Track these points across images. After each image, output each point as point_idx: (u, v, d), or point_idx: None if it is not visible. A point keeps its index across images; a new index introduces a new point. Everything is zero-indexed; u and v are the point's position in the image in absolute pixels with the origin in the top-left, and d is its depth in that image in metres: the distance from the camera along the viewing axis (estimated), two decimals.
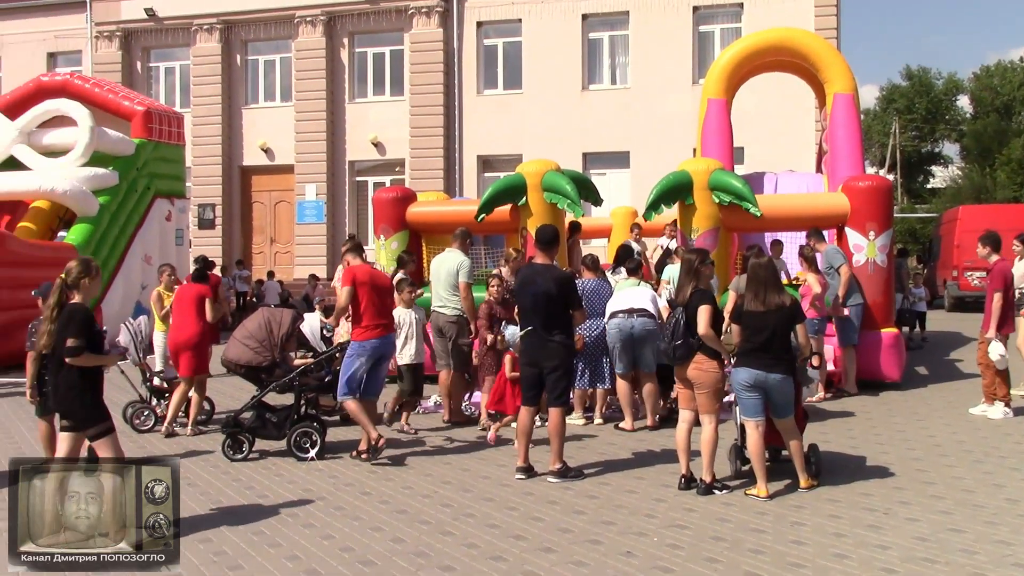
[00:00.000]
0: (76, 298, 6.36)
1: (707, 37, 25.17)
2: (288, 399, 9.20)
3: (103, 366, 6.50)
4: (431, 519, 6.82)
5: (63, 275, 6.41)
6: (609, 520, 6.74)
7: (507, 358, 9.39)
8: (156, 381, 10.62)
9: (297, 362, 9.09)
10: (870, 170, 29.38)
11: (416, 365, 9.88)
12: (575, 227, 14.19)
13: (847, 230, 12.22)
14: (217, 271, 18.52)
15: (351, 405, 8.49)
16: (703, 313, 7.29)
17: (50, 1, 29.59)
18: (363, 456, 8.61)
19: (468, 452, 8.99)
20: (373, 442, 8.45)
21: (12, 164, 17.91)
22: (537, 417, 8.26)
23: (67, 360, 6.19)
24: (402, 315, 9.75)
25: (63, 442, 6.41)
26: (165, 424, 9.96)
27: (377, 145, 27.00)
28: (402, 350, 9.75)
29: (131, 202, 18.31)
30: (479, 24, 26.45)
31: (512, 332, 9.41)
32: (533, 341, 7.84)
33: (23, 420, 10.92)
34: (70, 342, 6.13)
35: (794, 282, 12.41)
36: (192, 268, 17.33)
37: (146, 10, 27.86)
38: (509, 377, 9.24)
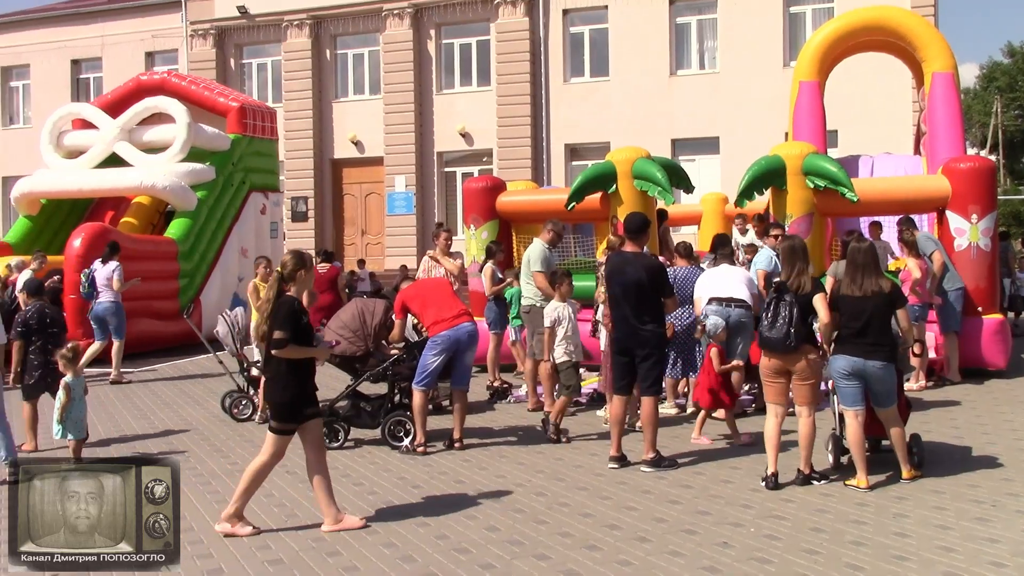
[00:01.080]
0: (291, 291, 6.40)
1: (798, 18, 24.61)
2: (382, 388, 9.31)
3: (315, 360, 6.56)
4: (525, 508, 6.84)
5: (279, 268, 6.49)
6: (704, 510, 6.67)
7: (713, 351, 8.92)
8: (253, 371, 10.84)
9: (391, 352, 9.19)
10: (971, 151, 28.40)
11: (573, 363, 9.23)
12: (662, 215, 13.96)
13: (948, 213, 11.85)
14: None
15: (417, 398, 8.61)
16: (822, 301, 7.15)
17: (148, 2, 30.44)
18: (456, 445, 8.68)
19: (560, 441, 8.97)
20: (417, 444, 8.60)
21: (115, 161, 18.53)
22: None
23: (273, 352, 6.27)
24: (559, 310, 9.24)
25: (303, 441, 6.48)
26: (259, 412, 10.19)
27: (465, 135, 27.13)
28: (557, 346, 9.23)
29: (227, 196, 18.76)
30: (565, 12, 26.33)
31: (715, 323, 9.13)
32: (625, 330, 7.80)
33: (129, 408, 11.29)
34: (276, 334, 6.20)
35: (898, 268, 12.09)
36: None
37: (238, 8, 28.44)
38: (719, 371, 8.86)
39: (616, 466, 7.86)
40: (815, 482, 7.16)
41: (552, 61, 26.37)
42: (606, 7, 25.85)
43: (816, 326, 7.31)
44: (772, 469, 7.25)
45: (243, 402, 10.52)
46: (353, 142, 28.07)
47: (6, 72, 32.34)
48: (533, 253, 10.36)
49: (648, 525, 6.36)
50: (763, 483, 7.20)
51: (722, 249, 10.35)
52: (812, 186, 11.94)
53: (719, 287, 9.73)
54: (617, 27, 25.73)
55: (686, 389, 10.31)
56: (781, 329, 7.11)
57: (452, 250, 12.29)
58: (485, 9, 26.72)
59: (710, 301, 9.70)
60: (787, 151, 12.38)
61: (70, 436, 8.39)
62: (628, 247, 8.06)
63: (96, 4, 31.61)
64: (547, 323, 9.27)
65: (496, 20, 26.54)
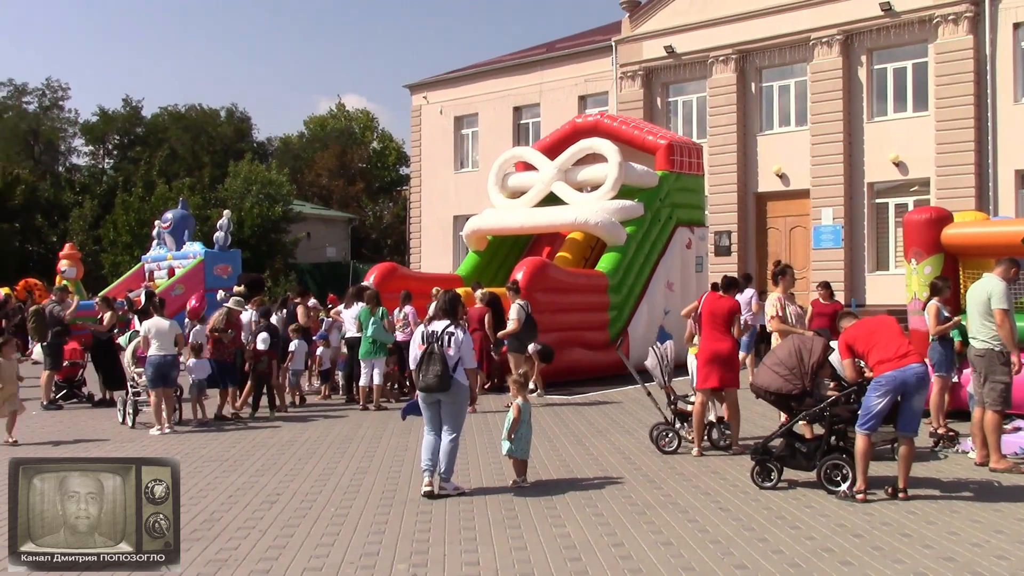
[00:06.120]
0: None
1: None
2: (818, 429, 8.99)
3: None
4: (984, 571, 6.23)
5: None
6: None
7: None
8: (680, 404, 10.94)
9: (829, 392, 8.83)
10: None
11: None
12: None
13: None
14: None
15: (860, 443, 8.16)
16: None
17: (580, 50, 32.36)
18: (900, 495, 8.14)
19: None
20: (857, 490, 8.15)
21: (551, 199, 19.78)
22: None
23: None
24: None
25: None
26: (696, 446, 10.29)
27: (898, 164, 25.62)
28: None
29: (655, 231, 19.28)
30: (1016, 26, 24.02)
31: None
32: None
33: (565, 434, 11.88)
34: None
35: None
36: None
37: (666, 47, 29.22)
38: None
39: None
40: None
41: (1000, 80, 24.17)
42: None
43: None
44: None
45: (669, 435, 10.64)
46: (778, 175, 27.63)
47: (458, 121, 35.86)
48: (995, 289, 9.33)
49: None
50: None
51: None
52: None
53: None
54: None
55: None
56: None
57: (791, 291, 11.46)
58: (923, 30, 25.14)
59: None
60: None
61: (516, 454, 9.03)
62: None
63: (535, 54, 34.26)
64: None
65: (935, 40, 24.87)
